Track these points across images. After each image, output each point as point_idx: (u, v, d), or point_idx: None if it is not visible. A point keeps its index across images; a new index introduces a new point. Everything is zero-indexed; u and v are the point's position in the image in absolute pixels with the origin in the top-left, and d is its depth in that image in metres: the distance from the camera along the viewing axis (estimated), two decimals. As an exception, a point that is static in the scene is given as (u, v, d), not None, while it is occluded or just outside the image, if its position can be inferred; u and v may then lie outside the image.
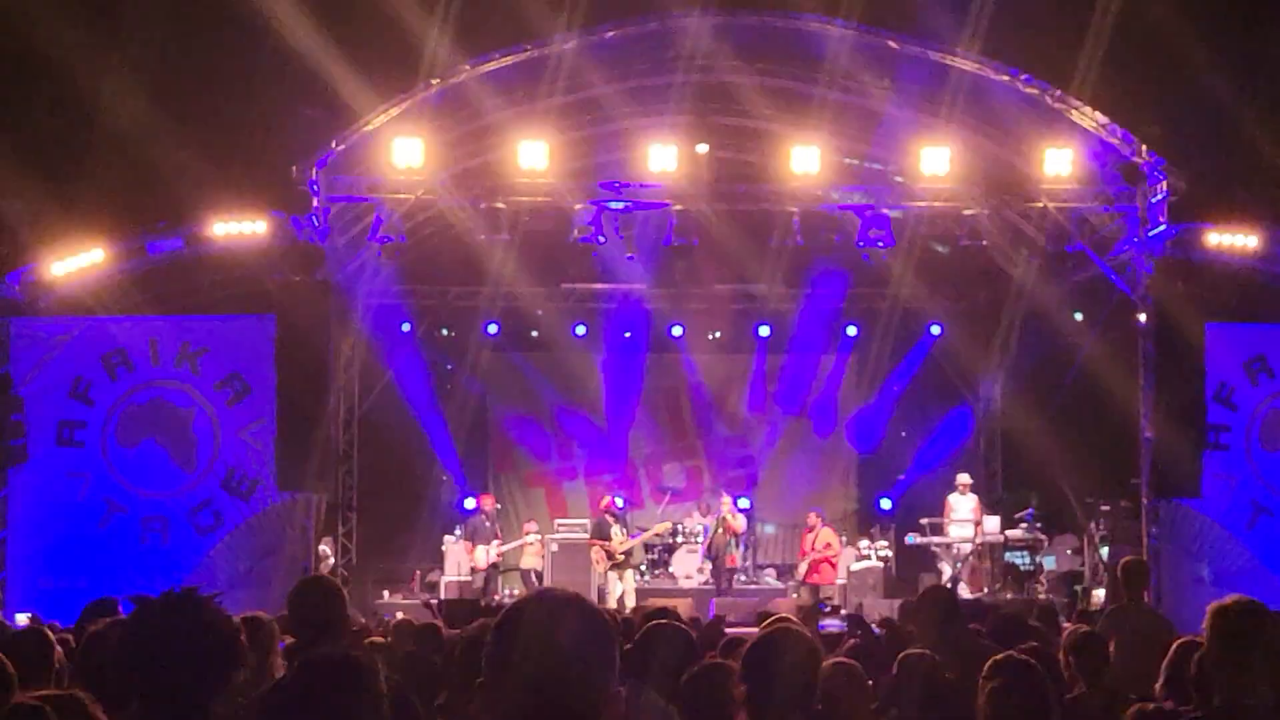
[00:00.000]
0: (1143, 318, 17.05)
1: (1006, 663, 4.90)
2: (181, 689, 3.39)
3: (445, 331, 22.86)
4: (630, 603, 18.23)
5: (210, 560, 15.89)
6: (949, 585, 19.79)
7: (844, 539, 20.59)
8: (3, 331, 16.34)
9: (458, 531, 20.50)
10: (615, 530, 19.31)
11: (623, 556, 19.23)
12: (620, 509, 20.23)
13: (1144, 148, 16.86)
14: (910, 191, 18.31)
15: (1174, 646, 5.99)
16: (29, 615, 13.62)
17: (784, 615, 7.40)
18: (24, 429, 15.94)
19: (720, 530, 19.57)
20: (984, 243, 18.07)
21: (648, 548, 20.95)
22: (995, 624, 8.37)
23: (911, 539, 20.64)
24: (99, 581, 15.71)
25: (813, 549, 19.63)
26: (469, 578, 19.64)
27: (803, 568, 19.78)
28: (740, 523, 20.02)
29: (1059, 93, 17.10)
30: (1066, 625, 13.20)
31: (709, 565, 20.05)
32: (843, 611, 17.27)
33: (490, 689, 2.50)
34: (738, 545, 20.24)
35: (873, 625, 11.09)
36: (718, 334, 23.44)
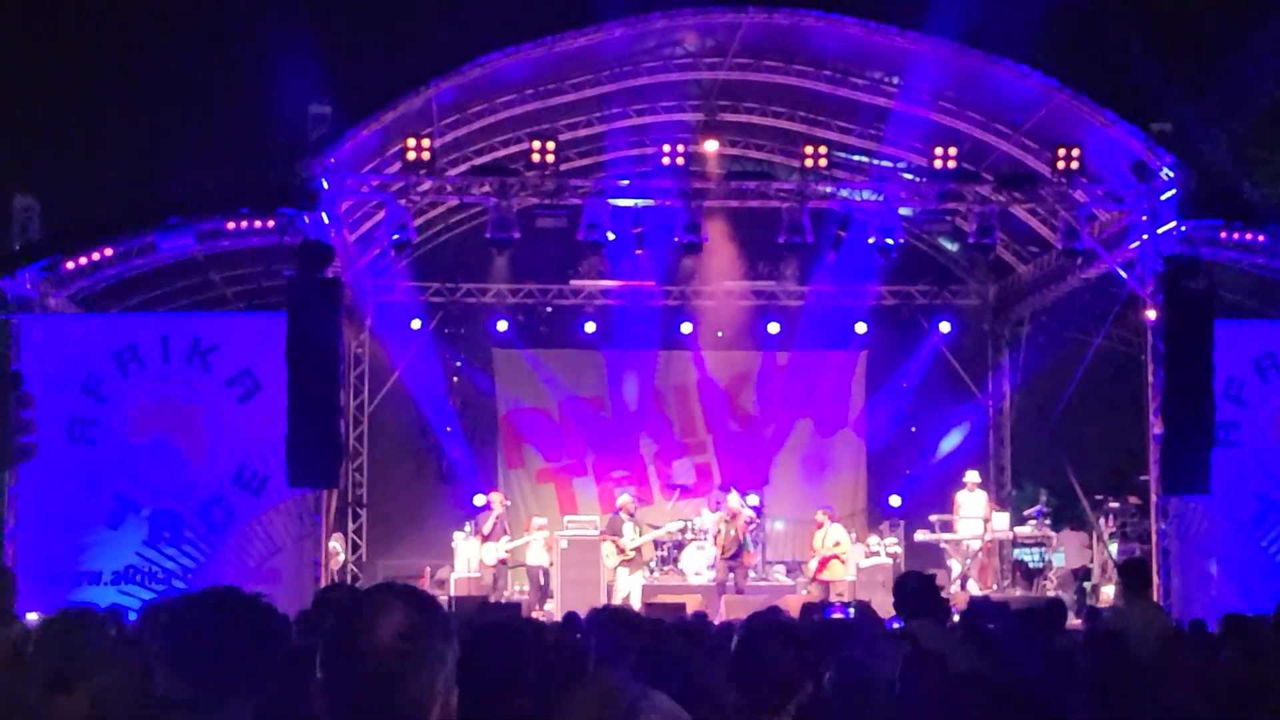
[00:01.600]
0: (1152, 314, 17.03)
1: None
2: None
3: (455, 328, 22.89)
4: (635, 604, 18.19)
5: (221, 556, 15.91)
6: (959, 581, 19.81)
7: (853, 536, 20.56)
8: (14, 328, 16.37)
9: (467, 528, 20.51)
10: (628, 528, 19.28)
11: (633, 553, 19.20)
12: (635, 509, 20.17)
13: (1154, 145, 16.83)
14: (919, 188, 18.31)
15: None
16: (39, 615, 13.66)
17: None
18: (35, 425, 15.95)
19: (732, 531, 19.04)
20: (993, 239, 18.04)
21: (656, 544, 20.92)
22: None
23: (921, 536, 20.65)
24: (109, 579, 15.81)
25: (823, 545, 19.56)
26: (478, 574, 19.68)
27: (812, 565, 19.72)
28: (749, 517, 19.80)
29: (1069, 89, 17.08)
30: (1075, 623, 13.22)
31: (723, 563, 19.11)
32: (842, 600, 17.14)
33: (323, 686, 2.47)
34: (753, 543, 20.13)
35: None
36: (727, 331, 23.42)
